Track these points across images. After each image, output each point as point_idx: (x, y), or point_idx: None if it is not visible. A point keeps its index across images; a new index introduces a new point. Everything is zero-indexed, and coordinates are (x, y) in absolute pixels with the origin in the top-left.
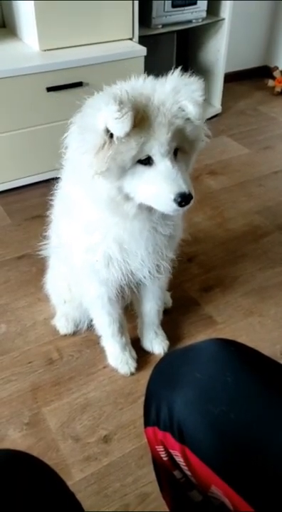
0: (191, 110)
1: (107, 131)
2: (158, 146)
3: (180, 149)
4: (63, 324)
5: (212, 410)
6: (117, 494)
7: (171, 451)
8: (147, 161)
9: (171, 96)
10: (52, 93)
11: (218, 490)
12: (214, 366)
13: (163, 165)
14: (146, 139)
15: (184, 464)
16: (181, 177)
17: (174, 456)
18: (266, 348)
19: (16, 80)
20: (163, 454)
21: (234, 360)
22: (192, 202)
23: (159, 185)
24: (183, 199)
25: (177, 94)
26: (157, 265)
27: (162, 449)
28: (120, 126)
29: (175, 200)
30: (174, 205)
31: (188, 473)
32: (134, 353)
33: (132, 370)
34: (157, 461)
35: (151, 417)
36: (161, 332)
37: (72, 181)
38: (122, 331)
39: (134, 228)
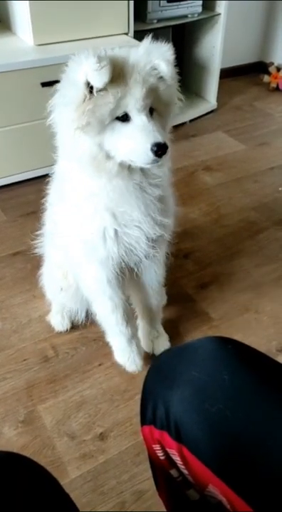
0: (164, 68)
1: (88, 84)
2: (134, 101)
3: (156, 110)
4: (58, 321)
5: (209, 409)
6: (113, 491)
7: (168, 450)
8: (125, 118)
9: (144, 57)
10: (47, 88)
11: (215, 489)
12: (211, 364)
13: (139, 120)
14: (122, 95)
15: (181, 462)
16: (157, 130)
17: (171, 455)
18: (262, 345)
19: (10, 75)
20: (160, 453)
21: (231, 358)
22: (168, 152)
23: (136, 138)
24: (159, 148)
25: (150, 54)
26: (154, 234)
27: (159, 448)
28: (99, 78)
29: (152, 149)
30: (151, 155)
31: (185, 472)
32: (141, 348)
33: (139, 368)
34: (153, 460)
35: (147, 415)
36: (162, 331)
37: (61, 155)
38: (126, 319)
39: (121, 187)
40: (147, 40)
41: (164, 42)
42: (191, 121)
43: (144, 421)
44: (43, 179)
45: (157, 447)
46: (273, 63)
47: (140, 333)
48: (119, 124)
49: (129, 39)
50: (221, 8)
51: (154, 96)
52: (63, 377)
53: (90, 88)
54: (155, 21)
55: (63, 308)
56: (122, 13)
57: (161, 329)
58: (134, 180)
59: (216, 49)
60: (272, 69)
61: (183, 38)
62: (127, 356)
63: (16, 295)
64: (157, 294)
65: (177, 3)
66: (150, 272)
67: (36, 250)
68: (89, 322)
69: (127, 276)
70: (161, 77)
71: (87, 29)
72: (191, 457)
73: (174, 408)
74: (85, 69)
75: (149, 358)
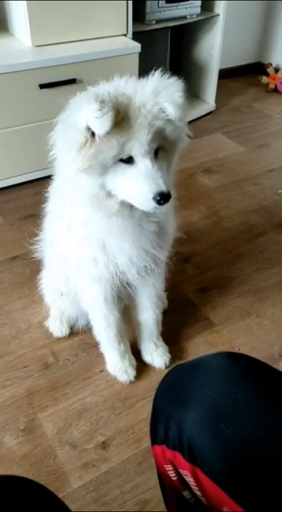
0: (171, 112)
1: (89, 128)
2: (138, 146)
3: (161, 148)
4: (57, 327)
5: (224, 429)
6: (116, 502)
7: (180, 470)
8: (129, 160)
9: (151, 98)
10: (45, 90)
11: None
12: (224, 383)
13: (143, 164)
14: (127, 139)
15: (194, 484)
16: (161, 176)
17: (184, 476)
18: (264, 350)
19: (8, 77)
20: (172, 474)
21: (244, 376)
22: (171, 200)
23: (139, 184)
24: (162, 198)
25: (158, 95)
26: (145, 266)
27: (171, 469)
28: (100, 125)
29: (154, 198)
30: (153, 204)
31: (198, 493)
32: (133, 361)
33: (131, 378)
34: (164, 481)
35: (159, 435)
36: (161, 343)
37: (60, 179)
38: (119, 337)
39: (119, 225)
40: (156, 76)
41: (164, 44)
42: (189, 122)
43: (155, 440)
44: (41, 182)
45: (169, 467)
46: (271, 64)
47: (138, 344)
48: (122, 166)
49: (128, 40)
50: (219, 9)
51: (161, 137)
52: (64, 385)
53: (92, 132)
54: (154, 22)
55: (62, 313)
56: (121, 14)
57: (160, 341)
58: (133, 219)
59: (215, 50)
60: (270, 70)
61: (182, 39)
62: (118, 367)
63: (14, 300)
64: (155, 307)
65: (176, 4)
66: (148, 286)
67: (35, 254)
68: (89, 328)
69: (123, 291)
70: (169, 120)
71: (86, 30)
72: (205, 479)
73: (187, 428)
74: (86, 115)
75: (145, 363)
